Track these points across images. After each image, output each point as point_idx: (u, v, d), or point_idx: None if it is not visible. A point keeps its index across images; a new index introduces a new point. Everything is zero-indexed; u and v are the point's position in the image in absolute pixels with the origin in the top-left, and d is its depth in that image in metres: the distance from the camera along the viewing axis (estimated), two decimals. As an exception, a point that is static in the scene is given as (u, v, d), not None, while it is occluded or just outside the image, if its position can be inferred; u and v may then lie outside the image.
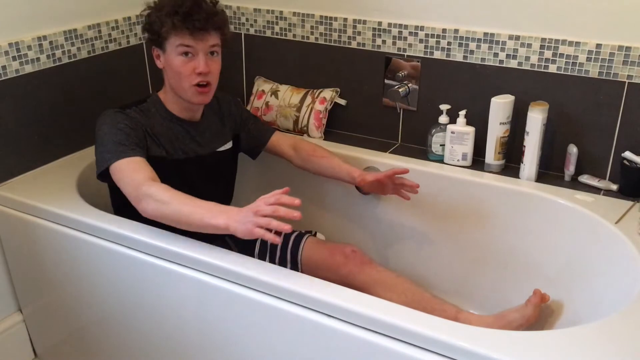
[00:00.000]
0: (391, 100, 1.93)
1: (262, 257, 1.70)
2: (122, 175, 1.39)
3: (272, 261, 1.67)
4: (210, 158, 1.66)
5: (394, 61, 1.91)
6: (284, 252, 1.69)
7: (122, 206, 1.61)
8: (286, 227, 1.17)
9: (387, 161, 1.84)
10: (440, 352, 1.10)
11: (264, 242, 1.72)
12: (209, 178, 1.67)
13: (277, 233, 1.20)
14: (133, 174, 1.38)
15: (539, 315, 1.52)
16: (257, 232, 1.18)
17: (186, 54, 1.48)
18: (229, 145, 1.72)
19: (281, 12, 2.05)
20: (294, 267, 1.67)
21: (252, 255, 1.68)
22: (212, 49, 1.51)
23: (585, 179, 1.72)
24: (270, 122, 2.09)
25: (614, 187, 1.67)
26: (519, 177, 1.75)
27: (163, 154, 1.55)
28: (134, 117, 1.51)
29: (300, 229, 1.82)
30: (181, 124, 1.60)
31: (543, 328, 1.51)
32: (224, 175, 1.76)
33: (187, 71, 1.48)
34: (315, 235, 1.80)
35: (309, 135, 2.03)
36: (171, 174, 1.56)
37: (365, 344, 1.17)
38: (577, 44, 1.65)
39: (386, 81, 1.94)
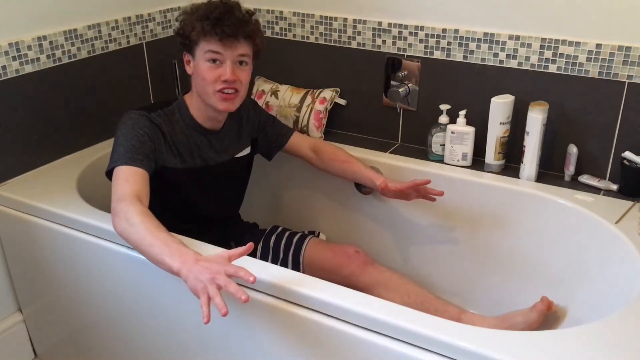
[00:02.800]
0: (391, 100, 1.93)
1: (264, 258, 1.70)
2: (116, 181, 1.37)
3: (274, 262, 1.68)
4: (229, 165, 1.65)
5: (394, 61, 1.91)
6: (286, 254, 1.69)
7: None
8: (223, 310, 1.08)
9: (387, 161, 1.84)
10: (443, 353, 1.10)
11: (265, 243, 1.72)
12: (226, 184, 1.67)
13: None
14: (124, 183, 1.35)
15: (543, 321, 1.52)
16: (203, 299, 1.10)
17: (214, 60, 1.44)
18: (247, 150, 1.70)
19: (281, 12, 2.05)
20: (296, 268, 1.67)
21: (253, 256, 1.68)
22: (241, 59, 1.47)
23: (585, 179, 1.72)
24: (270, 122, 2.09)
25: (614, 187, 1.67)
26: (519, 177, 1.75)
27: (178, 165, 1.53)
28: (156, 124, 1.48)
29: (303, 230, 1.83)
30: (203, 134, 1.57)
31: (543, 328, 1.51)
32: (240, 180, 1.75)
33: (211, 77, 1.45)
34: (318, 236, 1.80)
35: (309, 135, 2.02)
36: (186, 182, 1.56)
37: (367, 345, 1.17)
38: (577, 44, 1.65)
39: (392, 82, 1.94)
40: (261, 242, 1.73)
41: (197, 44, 1.46)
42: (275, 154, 1.81)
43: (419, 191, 1.64)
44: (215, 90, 1.46)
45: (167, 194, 1.55)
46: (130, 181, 1.36)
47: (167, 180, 1.52)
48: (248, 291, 1.28)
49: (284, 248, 1.70)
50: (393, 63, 1.92)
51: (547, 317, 1.53)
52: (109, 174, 1.42)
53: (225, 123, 1.62)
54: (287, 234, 1.74)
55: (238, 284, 1.12)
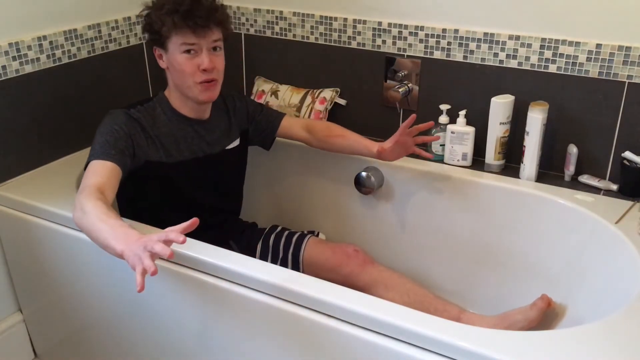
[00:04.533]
0: (391, 100, 1.93)
1: (264, 258, 1.70)
2: (85, 175, 1.37)
3: (274, 262, 1.67)
4: (220, 157, 1.65)
5: (394, 61, 1.91)
6: (285, 253, 1.69)
7: (126, 206, 1.61)
8: (152, 269, 1.04)
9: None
10: (443, 352, 1.10)
11: (265, 243, 1.72)
12: (219, 177, 1.66)
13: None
14: (90, 177, 1.35)
15: (542, 318, 1.52)
16: (138, 269, 1.06)
17: (189, 51, 1.46)
18: (236, 142, 1.70)
19: (281, 12, 2.05)
20: (296, 267, 1.67)
21: (253, 256, 1.68)
22: (214, 44, 1.49)
23: (585, 179, 1.72)
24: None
25: (614, 187, 1.67)
26: (519, 177, 1.75)
27: (163, 159, 1.53)
28: (135, 118, 1.49)
29: (302, 230, 1.83)
30: (190, 124, 1.57)
31: (543, 328, 1.51)
32: (233, 173, 1.74)
33: (191, 69, 1.46)
34: (317, 235, 1.80)
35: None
36: (176, 177, 1.55)
37: (367, 345, 1.17)
38: (577, 44, 1.65)
39: (388, 81, 1.94)
40: (260, 241, 1.73)
41: (169, 38, 1.46)
42: (270, 141, 1.81)
43: (411, 133, 1.62)
44: (196, 82, 1.48)
45: (161, 192, 1.55)
46: (97, 174, 1.36)
47: (156, 176, 1.52)
48: (249, 292, 1.28)
49: (283, 247, 1.70)
50: (393, 63, 1.92)
51: (546, 317, 1.53)
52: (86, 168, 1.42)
53: (213, 114, 1.62)
54: (286, 233, 1.74)
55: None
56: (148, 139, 1.51)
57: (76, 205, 1.28)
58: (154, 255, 1.08)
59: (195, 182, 1.60)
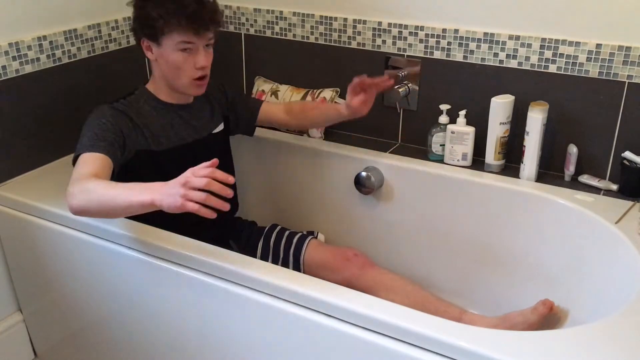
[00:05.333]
0: (391, 100, 1.93)
1: (264, 258, 1.70)
2: (75, 167, 1.36)
3: (274, 262, 1.67)
4: (207, 140, 1.65)
5: (394, 61, 1.91)
6: (286, 254, 1.69)
7: None
8: (224, 206, 1.08)
9: (387, 161, 1.84)
10: (443, 353, 1.10)
11: (265, 244, 1.72)
12: (210, 160, 1.66)
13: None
14: (82, 167, 1.33)
15: (543, 322, 1.52)
16: (189, 205, 1.07)
17: (186, 49, 1.46)
18: (221, 126, 1.72)
19: (281, 12, 2.05)
20: (296, 268, 1.67)
21: (253, 255, 1.68)
22: (209, 42, 1.51)
23: (585, 179, 1.72)
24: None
25: (614, 187, 1.67)
26: (519, 177, 1.75)
27: (153, 147, 1.53)
28: (121, 110, 1.49)
29: (302, 230, 1.83)
30: (175, 111, 1.59)
31: (543, 328, 1.51)
32: (224, 156, 1.74)
33: (187, 66, 1.48)
34: (316, 236, 1.80)
35: (309, 136, 2.02)
36: (169, 165, 1.54)
37: (367, 345, 1.17)
38: (577, 44, 1.65)
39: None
40: (261, 240, 1.73)
41: (166, 35, 1.45)
42: (252, 128, 1.83)
43: (364, 83, 1.61)
44: (192, 79, 1.50)
45: (154, 181, 1.54)
46: (88, 164, 1.34)
47: (148, 165, 1.52)
48: (244, 286, 1.28)
49: (284, 248, 1.70)
50: (393, 63, 1.92)
51: (546, 317, 1.53)
52: (74, 163, 1.41)
53: (196, 99, 1.63)
54: (287, 233, 1.74)
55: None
56: (136, 128, 1.50)
57: (73, 192, 1.25)
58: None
59: (187, 168, 1.59)
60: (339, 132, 2.08)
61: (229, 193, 1.08)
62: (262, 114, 1.79)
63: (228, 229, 1.72)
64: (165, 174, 1.53)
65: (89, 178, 1.27)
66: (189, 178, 1.09)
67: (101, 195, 1.21)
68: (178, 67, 1.48)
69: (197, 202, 1.08)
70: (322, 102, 1.80)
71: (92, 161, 1.35)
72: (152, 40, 1.48)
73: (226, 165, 1.76)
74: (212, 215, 1.09)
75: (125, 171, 1.47)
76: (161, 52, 1.48)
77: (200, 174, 1.09)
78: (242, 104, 1.79)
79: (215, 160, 1.14)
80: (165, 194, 1.12)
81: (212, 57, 1.55)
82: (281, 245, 1.71)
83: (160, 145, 1.54)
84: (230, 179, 1.09)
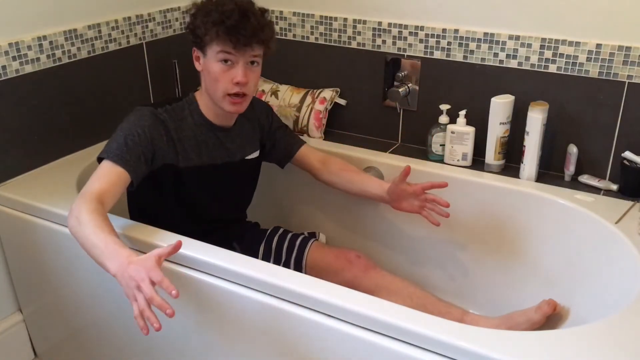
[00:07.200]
0: (391, 100, 1.93)
1: (266, 260, 1.70)
2: (94, 174, 1.37)
3: (276, 264, 1.67)
4: (238, 165, 1.63)
5: (394, 61, 1.91)
6: (288, 256, 1.69)
7: (138, 210, 1.61)
8: (155, 325, 1.09)
9: (387, 161, 1.84)
10: (443, 353, 1.10)
11: (267, 245, 1.72)
12: (234, 185, 1.66)
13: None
14: (95, 181, 1.35)
15: (545, 321, 1.52)
16: (134, 307, 1.11)
17: (226, 61, 1.43)
18: (256, 153, 1.69)
19: (281, 12, 2.05)
20: (298, 271, 1.67)
21: (255, 257, 1.67)
22: (253, 59, 1.46)
23: (585, 179, 1.72)
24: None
25: (614, 187, 1.67)
26: (519, 177, 1.75)
27: (181, 163, 1.51)
28: (162, 120, 1.47)
29: (303, 230, 1.83)
30: (213, 131, 1.56)
31: (544, 328, 1.51)
32: (248, 183, 1.73)
33: (224, 79, 1.44)
34: (318, 236, 1.80)
35: (309, 135, 2.03)
36: (191, 181, 1.54)
37: (368, 345, 1.17)
38: (577, 44, 1.65)
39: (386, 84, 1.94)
40: (263, 243, 1.73)
41: (209, 44, 1.44)
42: (285, 163, 1.78)
43: (426, 197, 1.58)
44: (226, 93, 1.45)
45: (172, 194, 1.55)
46: (102, 180, 1.35)
47: (171, 178, 1.52)
48: (244, 286, 1.28)
49: (286, 250, 1.70)
50: (393, 63, 1.92)
51: (548, 317, 1.53)
52: (99, 160, 1.42)
53: (238, 122, 1.61)
54: (289, 236, 1.73)
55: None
56: (170, 141, 1.49)
57: (73, 211, 1.28)
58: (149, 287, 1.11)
59: (209, 188, 1.59)
60: (339, 132, 2.09)
61: (168, 313, 1.10)
62: (299, 155, 1.75)
63: (231, 231, 1.72)
64: (185, 190, 1.55)
65: (91, 202, 1.29)
66: (143, 283, 1.11)
67: (85, 237, 1.24)
68: (216, 78, 1.44)
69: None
70: (365, 174, 1.73)
71: (107, 176, 1.36)
72: (200, 49, 1.47)
73: (248, 191, 1.75)
74: (144, 332, 1.11)
75: (147, 178, 1.46)
76: (205, 62, 1.46)
77: (153, 279, 1.12)
78: (283, 139, 1.75)
79: (178, 245, 1.21)
80: (124, 279, 1.14)
81: (258, 75, 1.50)
82: (283, 247, 1.71)
83: (188, 162, 1.52)
84: (174, 293, 1.11)
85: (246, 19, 1.41)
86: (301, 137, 1.97)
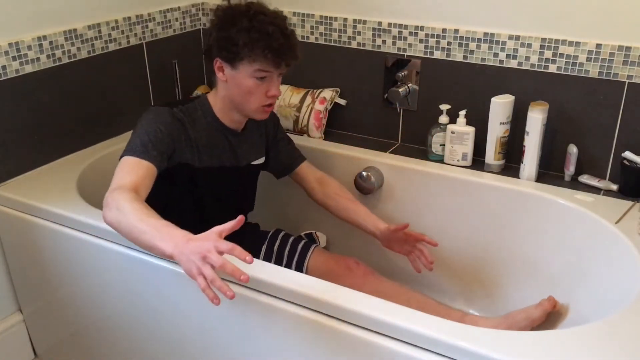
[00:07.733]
0: (391, 100, 1.93)
1: (267, 261, 1.70)
2: (118, 171, 1.35)
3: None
4: (244, 170, 1.64)
5: (394, 61, 1.91)
6: (290, 260, 1.69)
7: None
8: (229, 294, 1.05)
9: (387, 161, 1.84)
10: (444, 353, 1.10)
11: (269, 248, 1.72)
12: (238, 189, 1.66)
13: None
14: (125, 175, 1.33)
15: (545, 319, 1.52)
16: (200, 281, 1.07)
17: (262, 78, 1.45)
18: (262, 159, 1.70)
19: (281, 12, 2.05)
20: None
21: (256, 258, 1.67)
22: (282, 71, 1.49)
23: (585, 179, 1.72)
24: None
25: (614, 187, 1.67)
26: (519, 177, 1.75)
27: (195, 163, 1.51)
28: (178, 118, 1.47)
29: (303, 230, 1.83)
30: (225, 133, 1.57)
31: (544, 328, 1.51)
32: (250, 188, 1.74)
33: (259, 92, 1.46)
34: (317, 236, 1.80)
35: (309, 135, 2.03)
36: (200, 181, 1.54)
37: (368, 345, 1.17)
38: (577, 44, 1.65)
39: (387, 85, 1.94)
40: (264, 246, 1.73)
41: (246, 61, 1.43)
42: (282, 175, 1.79)
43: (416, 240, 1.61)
44: (261, 105, 1.48)
45: (186, 192, 1.55)
46: (132, 173, 1.34)
47: (186, 177, 1.52)
48: (245, 286, 1.28)
49: (288, 254, 1.70)
50: (393, 63, 1.92)
51: (548, 316, 1.53)
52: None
53: (247, 127, 1.62)
54: (291, 239, 1.74)
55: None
56: (187, 140, 1.49)
57: (109, 203, 1.25)
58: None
59: (215, 191, 1.59)
60: (339, 132, 2.09)
61: (243, 279, 1.06)
62: (298, 171, 1.76)
63: (232, 232, 1.71)
64: (197, 190, 1.55)
65: (129, 192, 1.26)
66: (209, 253, 1.07)
67: (132, 225, 1.20)
68: (250, 92, 1.46)
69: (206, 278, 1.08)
70: (360, 203, 1.73)
71: (137, 169, 1.35)
72: (228, 62, 1.46)
73: (250, 196, 1.76)
74: (216, 302, 1.07)
75: (161, 177, 1.45)
76: (235, 75, 1.46)
77: (221, 248, 1.08)
78: (286, 151, 1.76)
79: (240, 219, 1.14)
80: (185, 255, 1.10)
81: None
82: (285, 251, 1.71)
83: (201, 162, 1.53)
84: (249, 259, 1.07)
85: (288, 40, 1.44)
86: (300, 136, 1.98)
